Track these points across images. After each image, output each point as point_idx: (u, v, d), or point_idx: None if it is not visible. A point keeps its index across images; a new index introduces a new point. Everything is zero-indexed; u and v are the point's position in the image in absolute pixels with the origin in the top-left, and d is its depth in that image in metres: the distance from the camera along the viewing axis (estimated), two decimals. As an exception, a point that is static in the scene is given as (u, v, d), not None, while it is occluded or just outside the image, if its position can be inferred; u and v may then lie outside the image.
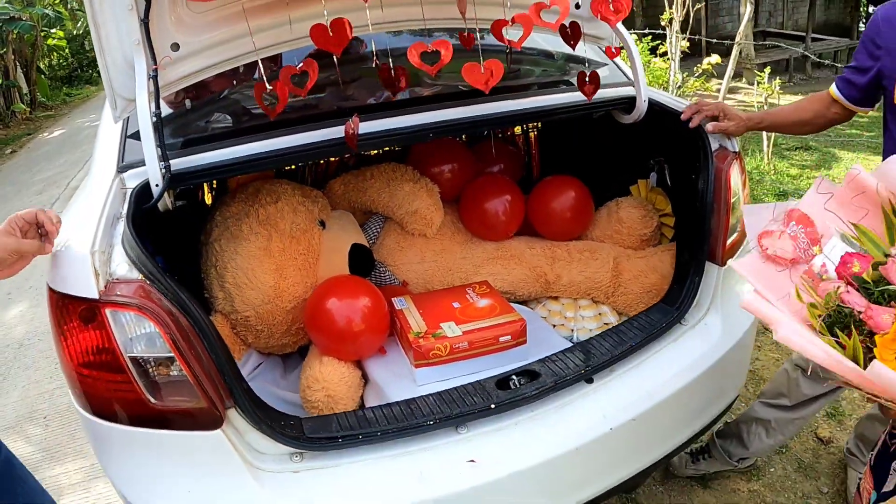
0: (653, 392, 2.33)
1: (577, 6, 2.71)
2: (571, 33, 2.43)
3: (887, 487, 1.93)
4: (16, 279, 6.16)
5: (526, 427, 2.16)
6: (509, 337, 2.47)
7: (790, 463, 3.39)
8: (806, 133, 2.93)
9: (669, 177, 3.09)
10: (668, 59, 6.79)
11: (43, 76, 18.55)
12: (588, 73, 2.49)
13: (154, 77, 2.06)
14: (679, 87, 6.68)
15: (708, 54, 6.78)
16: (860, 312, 1.48)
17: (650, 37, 7.02)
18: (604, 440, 2.19)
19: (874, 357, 1.42)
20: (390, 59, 2.35)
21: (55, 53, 20.46)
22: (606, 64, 3.05)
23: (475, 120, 2.61)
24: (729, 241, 2.61)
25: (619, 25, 2.69)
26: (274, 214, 2.67)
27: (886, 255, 1.55)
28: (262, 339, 2.72)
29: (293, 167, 3.35)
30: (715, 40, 6.50)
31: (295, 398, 2.54)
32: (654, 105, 2.83)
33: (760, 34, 16.26)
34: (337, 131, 2.33)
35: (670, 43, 6.70)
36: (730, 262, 1.73)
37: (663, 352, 2.48)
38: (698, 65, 6.74)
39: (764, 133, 7.57)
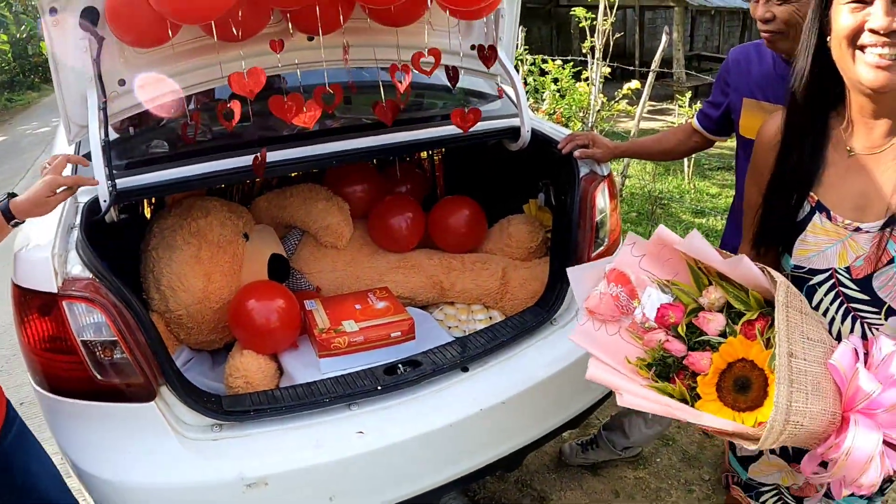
0: (521, 380, 2.64)
1: (473, 47, 3.00)
2: (453, 75, 2.79)
3: (744, 452, 2.08)
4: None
5: (408, 406, 2.49)
6: (399, 333, 2.84)
7: (676, 453, 3.62)
8: (671, 159, 3.23)
9: (553, 197, 3.42)
10: (590, 83, 7.03)
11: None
12: (467, 109, 2.82)
13: (104, 108, 2.39)
14: (598, 112, 6.96)
15: (640, 77, 7.02)
16: (682, 358, 1.62)
17: (572, 63, 7.30)
18: (475, 419, 2.50)
19: (698, 394, 1.59)
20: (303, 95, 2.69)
21: (-4, 56, 19.69)
22: (500, 97, 3.41)
23: (374, 149, 2.98)
24: (595, 253, 2.92)
25: (505, 62, 3.03)
26: (204, 227, 2.99)
27: (697, 307, 1.66)
28: (193, 335, 3.02)
29: (223, 185, 3.65)
30: (639, 68, 6.80)
31: (220, 387, 2.83)
32: (537, 134, 3.14)
33: (695, 57, 16.66)
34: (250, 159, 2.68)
35: (591, 69, 6.95)
36: (568, 336, 1.87)
37: (534, 347, 2.79)
38: (619, 90, 7.02)
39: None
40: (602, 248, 2.96)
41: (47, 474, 2.26)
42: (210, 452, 2.32)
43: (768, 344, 1.55)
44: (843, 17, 1.48)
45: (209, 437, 2.35)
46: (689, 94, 7.68)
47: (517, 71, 7.85)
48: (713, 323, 1.62)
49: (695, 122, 2.89)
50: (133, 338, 2.23)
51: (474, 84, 3.45)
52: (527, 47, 7.86)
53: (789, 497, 2.07)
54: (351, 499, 2.44)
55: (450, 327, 3.31)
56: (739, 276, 1.63)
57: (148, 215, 3.46)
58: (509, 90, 3.28)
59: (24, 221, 2.15)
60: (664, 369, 1.68)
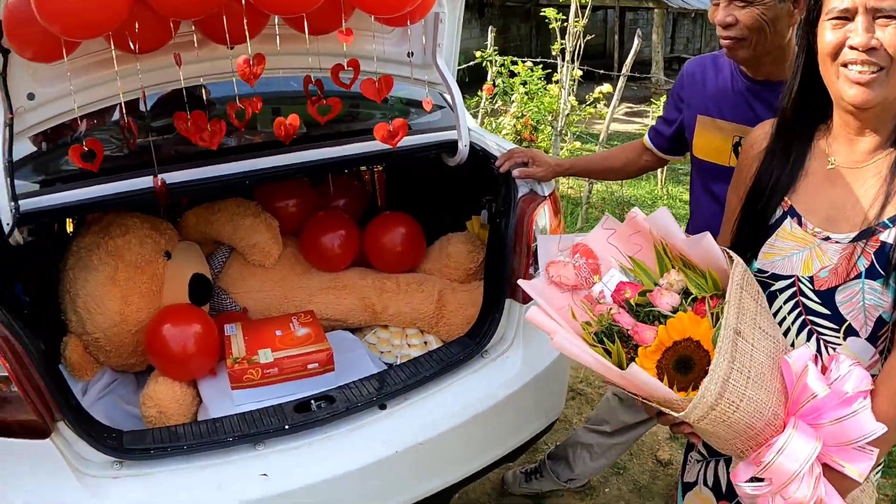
0: (444, 419, 2.56)
1: (410, 54, 2.86)
2: (383, 86, 2.59)
3: (688, 478, 2.11)
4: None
5: (318, 447, 2.40)
6: (317, 364, 2.74)
7: (626, 483, 3.54)
8: (619, 179, 3.16)
9: (492, 216, 3.28)
10: (560, 86, 6.93)
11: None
12: (390, 124, 2.63)
13: (9, 125, 2.29)
14: (567, 115, 6.87)
15: (618, 79, 6.93)
16: (628, 330, 1.63)
17: (541, 65, 7.19)
18: (391, 461, 2.43)
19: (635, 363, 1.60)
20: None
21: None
22: (443, 107, 3.28)
23: (294, 167, 2.88)
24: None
25: (443, 71, 2.92)
26: (122, 246, 2.88)
27: (656, 284, 1.69)
28: (112, 357, 2.93)
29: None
30: (616, 73, 6.73)
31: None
32: (476, 149, 3.02)
33: (675, 60, 16.61)
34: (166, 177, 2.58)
35: (560, 72, 6.86)
36: (519, 281, 1.91)
37: (462, 381, 2.69)
38: (591, 93, 6.92)
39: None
40: None
41: None
42: (110, 491, 2.25)
43: (717, 321, 1.55)
44: (826, 34, 1.55)
45: (109, 475, 2.27)
46: (665, 97, 7.59)
47: (486, 72, 7.79)
48: (666, 298, 1.63)
49: (646, 139, 2.75)
50: (25, 373, 2.13)
51: (414, 94, 3.33)
52: (496, 48, 7.73)
53: None
54: None
55: (382, 352, 3.23)
56: (701, 254, 1.66)
57: (70, 231, 3.37)
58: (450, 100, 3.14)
59: None
60: (607, 338, 1.67)
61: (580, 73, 6.82)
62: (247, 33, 2.15)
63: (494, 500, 3.50)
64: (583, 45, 6.65)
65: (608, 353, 1.64)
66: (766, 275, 1.77)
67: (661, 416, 1.68)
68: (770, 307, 1.74)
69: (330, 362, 2.78)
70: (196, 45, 2.45)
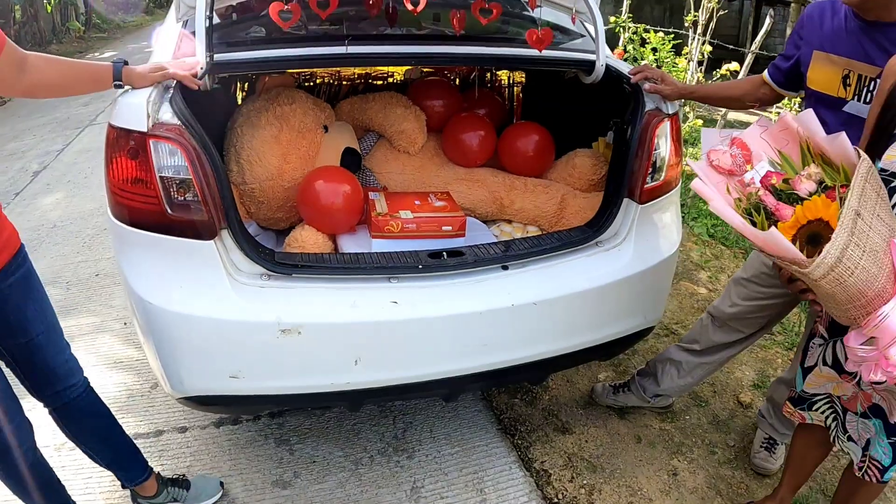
0: (556, 288, 2.75)
1: None
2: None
3: (809, 363, 2.46)
4: (55, 173, 6.53)
5: (445, 289, 2.65)
6: (450, 228, 2.99)
7: (706, 415, 3.62)
8: (734, 108, 3.26)
9: (619, 128, 3.39)
10: (689, 59, 6.91)
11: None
12: (540, 31, 2.86)
13: None
14: None
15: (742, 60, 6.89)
16: (771, 208, 1.92)
17: (672, 35, 7.22)
18: (506, 314, 2.65)
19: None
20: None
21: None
22: (584, 36, 3.47)
23: (454, 56, 3.14)
24: (649, 185, 2.97)
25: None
26: (288, 113, 3.19)
27: (797, 173, 1.97)
28: (262, 210, 3.23)
29: (313, 83, 3.90)
30: (754, 52, 6.66)
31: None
32: (611, 70, 3.15)
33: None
34: (337, 49, 2.84)
35: (691, 45, 6.89)
36: (687, 160, 2.22)
37: (575, 262, 2.87)
38: (717, 69, 6.95)
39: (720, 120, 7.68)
40: (658, 181, 3.02)
41: (41, 321, 2.36)
42: (254, 297, 2.51)
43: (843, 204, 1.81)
44: None
45: (257, 284, 2.54)
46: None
47: (618, 38, 7.89)
48: (805, 184, 1.91)
49: (765, 74, 2.93)
50: (206, 181, 2.42)
51: (560, 20, 3.50)
52: (630, 15, 7.80)
53: (839, 407, 2.47)
54: (376, 367, 2.62)
55: None
56: (837, 150, 1.94)
57: (239, 101, 3.71)
58: (590, 27, 3.32)
59: (123, 86, 2.47)
60: (755, 211, 1.97)
61: (709, 48, 6.82)
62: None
63: (581, 406, 3.67)
64: (715, 21, 6.67)
65: (753, 224, 1.93)
66: (888, 173, 2.02)
67: (791, 282, 2.10)
68: (890, 199, 1.98)
69: (462, 228, 3.01)
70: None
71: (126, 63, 2.46)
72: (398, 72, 4.30)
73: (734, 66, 6.76)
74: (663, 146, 2.98)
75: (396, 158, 3.62)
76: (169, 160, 2.40)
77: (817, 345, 2.41)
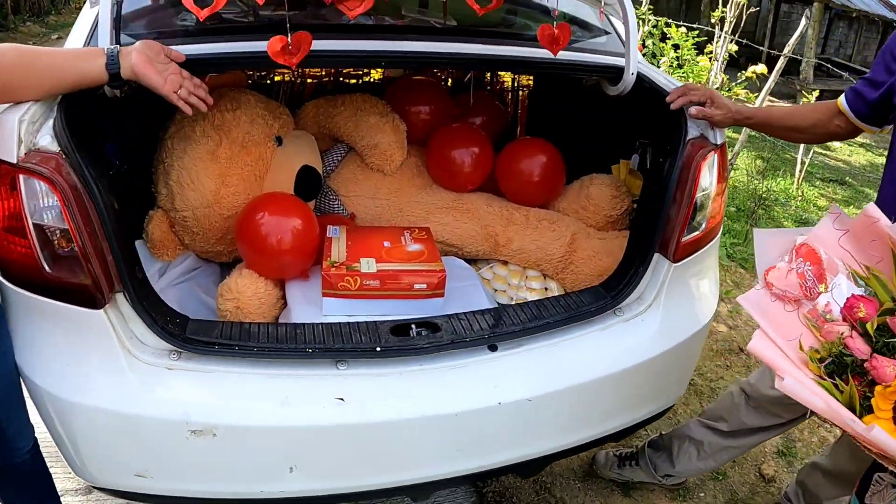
0: (560, 377, 2.29)
1: None
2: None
3: (873, 501, 1.96)
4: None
5: (410, 379, 2.16)
6: (425, 286, 2.45)
7: (724, 493, 3.29)
8: (799, 141, 2.82)
9: (650, 161, 2.98)
10: (713, 58, 6.57)
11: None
12: (556, 26, 2.32)
13: None
14: (718, 90, 6.49)
15: (766, 63, 6.58)
16: (864, 361, 1.49)
17: (696, 32, 6.81)
18: (491, 413, 2.19)
19: (870, 405, 1.46)
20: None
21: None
22: (609, 33, 2.98)
23: (440, 56, 2.56)
24: (687, 238, 2.49)
25: None
26: (230, 121, 2.67)
27: (894, 301, 1.55)
28: (198, 242, 2.75)
29: (268, 82, 3.40)
30: (773, 51, 6.35)
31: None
32: (643, 80, 2.68)
33: (826, 61, 16.03)
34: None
35: (716, 43, 6.53)
36: (738, 298, 1.75)
37: (587, 338, 2.39)
38: (742, 72, 6.54)
39: (799, 157, 7.38)
40: (697, 233, 2.51)
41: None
42: (158, 382, 2.07)
43: None
44: None
45: (163, 364, 2.07)
46: (815, 95, 7.18)
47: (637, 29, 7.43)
48: None
49: (842, 102, 2.38)
50: (88, 229, 1.93)
51: (579, 11, 3.02)
52: (651, 7, 7.38)
53: None
54: (317, 475, 2.19)
55: (496, 290, 2.98)
56: None
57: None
58: (618, 24, 2.86)
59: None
60: (838, 369, 1.58)
61: (735, 47, 6.53)
62: None
63: (579, 478, 3.28)
64: (745, 18, 6.35)
65: (838, 389, 1.53)
66: None
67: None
68: None
69: (441, 287, 2.48)
70: None
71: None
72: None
73: (761, 68, 6.56)
74: (707, 186, 2.48)
75: (368, 178, 3.10)
76: (44, 201, 1.92)
77: (890, 484, 1.92)
